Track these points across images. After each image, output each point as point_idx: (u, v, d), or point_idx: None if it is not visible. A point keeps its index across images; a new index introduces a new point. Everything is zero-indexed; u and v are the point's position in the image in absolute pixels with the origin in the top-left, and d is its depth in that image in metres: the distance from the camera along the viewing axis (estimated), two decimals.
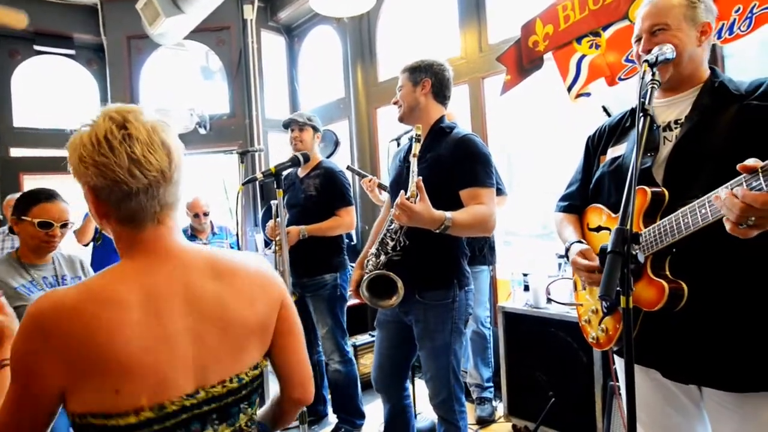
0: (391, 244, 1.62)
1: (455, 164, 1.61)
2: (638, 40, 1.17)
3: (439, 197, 1.52)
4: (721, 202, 0.83)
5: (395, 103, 1.81)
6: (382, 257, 1.64)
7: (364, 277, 1.65)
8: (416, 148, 1.59)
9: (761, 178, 0.77)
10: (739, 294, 1.00)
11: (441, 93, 1.76)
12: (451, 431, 1.74)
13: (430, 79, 1.73)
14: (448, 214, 1.49)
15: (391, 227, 1.64)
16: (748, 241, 0.86)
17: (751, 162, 0.79)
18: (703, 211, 0.89)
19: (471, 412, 2.75)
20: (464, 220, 1.52)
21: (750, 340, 0.99)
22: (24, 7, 3.85)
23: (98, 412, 0.69)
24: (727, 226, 0.84)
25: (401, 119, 1.80)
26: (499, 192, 2.67)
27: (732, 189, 0.82)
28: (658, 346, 1.09)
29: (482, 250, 2.67)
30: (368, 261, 1.76)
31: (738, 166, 0.80)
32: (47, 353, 0.68)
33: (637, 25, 1.18)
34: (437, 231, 1.49)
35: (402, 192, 1.49)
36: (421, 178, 1.49)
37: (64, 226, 1.67)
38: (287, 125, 2.62)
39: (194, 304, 0.77)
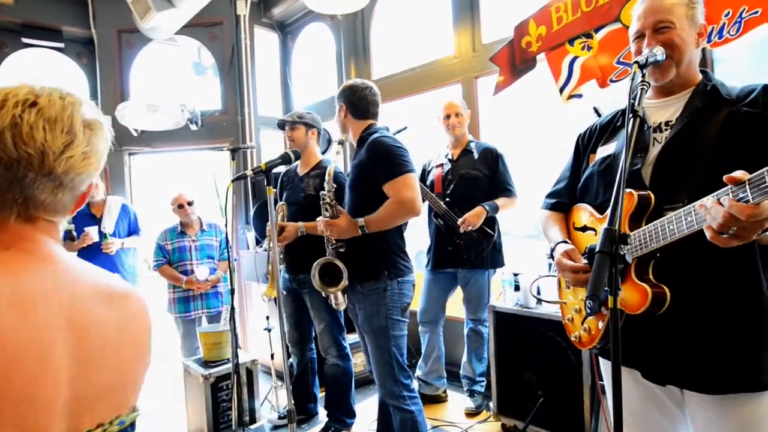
0: (333, 239, 1.94)
1: (372, 165, 1.87)
2: (639, 36, 1.13)
3: (365, 193, 1.86)
4: (706, 211, 0.84)
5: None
6: (330, 249, 1.95)
7: (314, 264, 1.92)
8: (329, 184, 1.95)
9: (748, 190, 0.78)
10: (717, 298, 1.01)
11: (358, 111, 2.01)
12: (405, 416, 1.90)
13: (344, 103, 2.01)
14: (360, 219, 1.83)
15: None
16: (727, 248, 0.87)
17: (738, 174, 0.79)
18: (689, 219, 0.89)
19: (460, 405, 2.77)
20: (377, 216, 1.82)
21: (727, 344, 1.00)
22: None
23: None
24: (708, 234, 0.85)
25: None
26: (509, 193, 2.66)
27: (718, 199, 0.82)
28: (638, 347, 1.09)
29: (480, 254, 2.62)
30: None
31: (725, 178, 0.80)
32: None
33: (636, 22, 1.14)
34: (361, 233, 1.82)
35: (322, 215, 1.92)
36: (335, 202, 1.90)
37: None
38: (281, 126, 2.62)
39: (78, 324, 0.62)
